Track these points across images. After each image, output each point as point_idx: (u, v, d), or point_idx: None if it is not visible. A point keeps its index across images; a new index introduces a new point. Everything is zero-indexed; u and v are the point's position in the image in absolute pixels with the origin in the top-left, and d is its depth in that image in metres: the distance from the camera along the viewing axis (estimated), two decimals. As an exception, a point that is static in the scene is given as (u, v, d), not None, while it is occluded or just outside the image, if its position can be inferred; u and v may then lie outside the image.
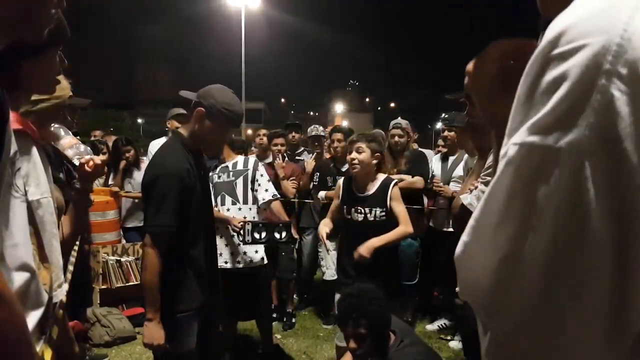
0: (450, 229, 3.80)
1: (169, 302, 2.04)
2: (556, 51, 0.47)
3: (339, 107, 67.37)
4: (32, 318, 0.92)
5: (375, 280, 2.37)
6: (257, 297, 3.26)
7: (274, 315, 4.12)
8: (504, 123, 0.54)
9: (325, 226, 2.90)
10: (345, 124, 6.60)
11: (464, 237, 0.54)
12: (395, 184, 2.86)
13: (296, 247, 3.19)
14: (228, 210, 3.19)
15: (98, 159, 1.58)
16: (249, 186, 3.25)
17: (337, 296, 2.83)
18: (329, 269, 4.11)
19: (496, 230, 0.49)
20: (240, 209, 3.21)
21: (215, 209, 3.20)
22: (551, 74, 0.47)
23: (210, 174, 3.30)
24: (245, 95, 20.95)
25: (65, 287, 1.10)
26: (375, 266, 2.64)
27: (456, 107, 4.22)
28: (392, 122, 4.28)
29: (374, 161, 2.82)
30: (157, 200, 1.98)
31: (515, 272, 0.47)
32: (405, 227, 2.77)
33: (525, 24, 1.13)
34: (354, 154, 2.80)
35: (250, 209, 3.24)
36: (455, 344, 3.71)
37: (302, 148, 5.06)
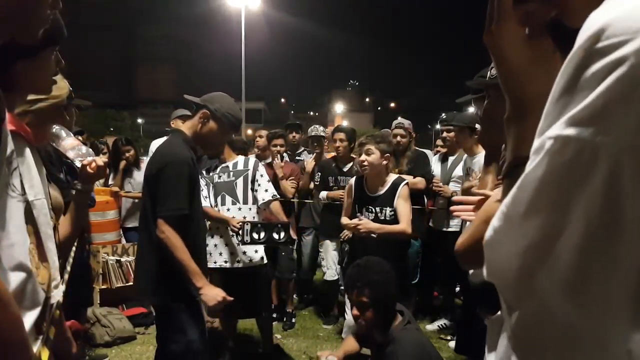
0: (450, 229, 3.80)
1: (180, 288, 2.09)
2: (599, 45, 0.46)
3: (339, 107, 67.40)
4: (29, 318, 0.92)
5: None
6: (257, 296, 3.27)
7: (274, 315, 4.12)
8: (535, 99, 0.56)
9: (347, 219, 2.95)
10: (345, 124, 6.61)
11: (494, 222, 0.55)
12: (406, 184, 2.89)
13: (294, 247, 3.20)
14: (228, 210, 3.21)
15: (100, 161, 1.59)
16: (249, 186, 3.27)
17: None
18: (330, 269, 4.11)
19: (524, 219, 0.50)
20: (240, 208, 3.23)
21: (216, 209, 3.22)
22: (594, 67, 0.46)
23: (211, 173, 3.33)
24: (245, 95, 20.95)
25: (62, 287, 1.09)
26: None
27: (456, 107, 4.22)
28: (394, 122, 4.26)
29: (384, 162, 2.85)
30: (168, 185, 2.06)
31: (543, 260, 0.48)
32: (404, 226, 2.79)
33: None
34: (363, 156, 2.83)
35: (250, 209, 3.25)
36: (455, 343, 3.71)
37: (302, 148, 5.06)
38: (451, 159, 3.99)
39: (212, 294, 2.12)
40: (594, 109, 0.45)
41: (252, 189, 3.28)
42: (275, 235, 2.98)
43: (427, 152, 4.50)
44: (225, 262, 3.14)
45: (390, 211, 2.84)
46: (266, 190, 3.30)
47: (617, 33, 0.46)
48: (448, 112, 4.20)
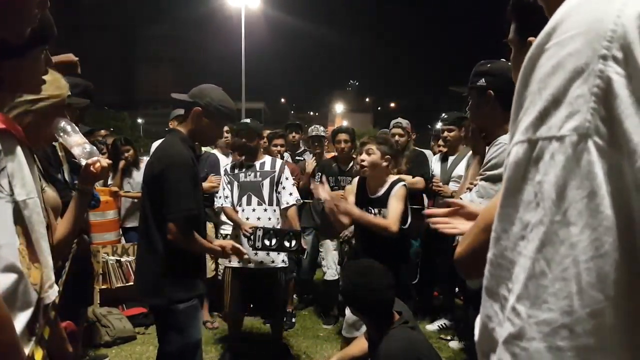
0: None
1: (174, 292, 2.10)
2: (553, 41, 0.48)
3: (339, 107, 67.36)
4: (21, 319, 0.92)
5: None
6: (277, 297, 3.32)
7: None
8: None
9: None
10: (345, 124, 6.60)
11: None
12: (404, 185, 2.87)
13: (304, 257, 3.19)
14: (254, 210, 3.23)
15: (105, 162, 1.57)
16: (275, 188, 3.28)
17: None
18: (330, 269, 4.11)
19: (522, 232, 0.49)
20: (265, 209, 3.25)
21: (240, 208, 3.24)
22: (548, 64, 0.48)
23: (236, 171, 3.33)
24: (245, 95, 20.95)
25: (57, 288, 1.09)
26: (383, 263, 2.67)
27: (456, 107, 4.21)
28: (393, 122, 4.28)
29: (384, 163, 2.83)
30: (173, 187, 2.05)
31: (544, 268, 0.46)
32: (389, 222, 2.68)
33: (507, 28, 1.14)
34: (363, 156, 2.83)
35: (274, 210, 3.28)
36: (455, 344, 3.71)
37: (303, 148, 5.06)
38: (451, 158, 3.99)
39: (225, 246, 2.33)
40: (554, 105, 0.46)
41: (277, 191, 3.29)
42: (287, 243, 3.00)
43: (427, 152, 4.50)
44: (249, 262, 3.17)
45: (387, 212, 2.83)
46: (290, 194, 3.33)
47: (567, 28, 0.47)
48: (448, 112, 4.18)
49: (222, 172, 4.04)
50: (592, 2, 0.47)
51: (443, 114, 4.05)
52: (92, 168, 1.54)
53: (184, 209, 2.04)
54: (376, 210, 2.84)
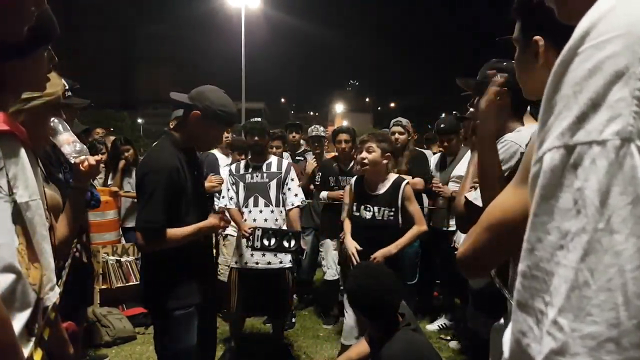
0: (451, 229, 3.79)
1: (168, 299, 2.07)
2: (588, 44, 0.46)
3: (339, 107, 67.37)
4: (20, 319, 0.91)
5: None
6: (284, 297, 3.34)
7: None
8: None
9: (352, 242, 2.89)
10: (345, 124, 6.60)
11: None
12: (407, 183, 2.89)
13: (303, 257, 3.21)
14: (261, 211, 3.23)
15: (92, 160, 1.57)
16: (281, 189, 3.29)
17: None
18: (330, 269, 4.11)
19: (563, 244, 0.46)
20: (272, 211, 3.25)
21: (247, 209, 3.24)
22: (584, 66, 0.46)
23: (242, 172, 3.32)
24: (245, 95, 20.95)
25: (58, 290, 1.08)
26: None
27: (455, 107, 4.19)
28: (393, 121, 4.28)
29: (385, 161, 2.84)
30: (144, 197, 2.02)
31: (592, 285, 0.44)
32: (420, 226, 2.84)
33: (512, 28, 1.13)
34: (364, 154, 2.83)
35: (281, 211, 3.29)
36: (455, 344, 3.71)
37: (304, 148, 5.06)
38: (449, 159, 3.99)
39: (210, 223, 2.17)
40: (592, 109, 0.45)
41: (283, 192, 3.30)
42: (286, 244, 3.01)
43: (427, 152, 4.49)
44: (257, 263, 3.18)
45: (390, 211, 2.82)
46: (296, 195, 3.33)
47: (603, 32, 0.46)
48: (443, 118, 4.15)
49: (222, 172, 4.04)
50: (630, 4, 0.46)
51: (442, 124, 4.01)
52: (81, 167, 1.54)
53: (146, 220, 2.00)
54: (376, 209, 2.84)
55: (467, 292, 3.10)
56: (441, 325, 4.06)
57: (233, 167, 3.46)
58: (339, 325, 4.02)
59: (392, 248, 2.76)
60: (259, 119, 3.46)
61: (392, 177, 2.91)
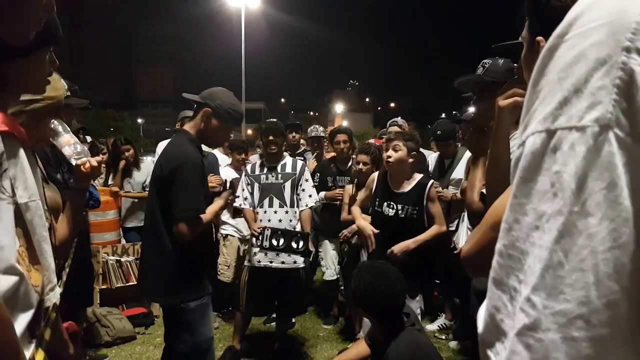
0: (451, 229, 3.79)
1: (183, 291, 2.11)
2: (574, 32, 0.48)
3: (339, 107, 67.31)
4: (22, 321, 0.91)
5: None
6: (297, 297, 3.37)
7: (274, 315, 4.13)
8: None
9: (367, 224, 2.93)
10: (345, 124, 6.61)
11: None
12: (432, 184, 2.91)
13: (310, 259, 3.22)
14: (275, 212, 3.25)
15: (94, 161, 1.57)
16: (296, 190, 3.31)
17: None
18: (329, 269, 4.11)
19: (541, 224, 0.48)
20: (287, 212, 3.26)
21: (262, 210, 3.26)
22: (569, 54, 0.48)
23: (257, 172, 3.34)
24: (245, 95, 20.95)
25: (59, 290, 1.08)
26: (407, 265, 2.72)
27: (455, 107, 4.17)
28: (390, 121, 4.31)
29: (410, 160, 2.86)
30: (184, 187, 2.06)
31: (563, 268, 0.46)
32: (440, 226, 2.87)
33: (522, 26, 1.13)
34: (390, 152, 2.84)
35: (295, 212, 3.30)
36: (456, 344, 3.71)
37: (303, 148, 5.07)
38: (447, 162, 3.98)
39: (222, 201, 2.38)
40: (574, 96, 0.46)
41: (297, 193, 3.31)
42: (294, 244, 3.03)
43: (426, 152, 4.49)
44: (271, 262, 3.20)
45: (413, 210, 2.84)
46: (310, 196, 3.35)
47: (589, 20, 0.47)
48: (439, 122, 4.13)
49: (221, 172, 4.04)
50: None
51: (437, 131, 3.99)
52: (82, 168, 1.54)
53: (193, 208, 2.07)
54: (399, 207, 2.86)
55: (468, 292, 3.11)
56: (441, 325, 4.06)
57: (248, 167, 3.46)
58: (339, 325, 4.03)
59: (411, 243, 2.78)
60: (275, 120, 3.50)
61: (418, 176, 2.93)
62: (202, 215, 2.13)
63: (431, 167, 4.12)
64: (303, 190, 3.33)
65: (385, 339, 2.13)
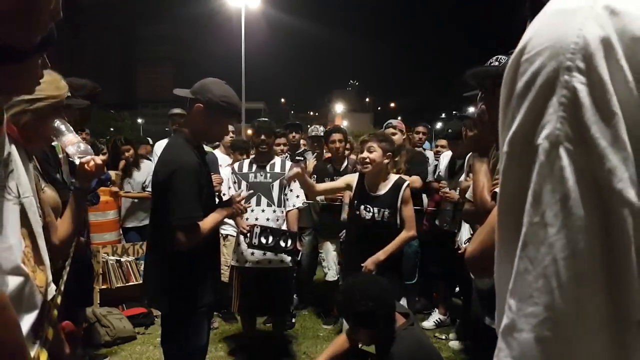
0: (454, 230, 3.78)
1: (183, 300, 2.08)
2: (524, 57, 0.53)
3: (339, 107, 67.29)
4: (26, 321, 0.92)
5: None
6: (287, 295, 3.36)
7: (274, 315, 4.14)
8: None
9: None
10: (345, 124, 6.62)
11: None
12: (408, 186, 2.89)
13: (298, 258, 3.21)
14: (263, 211, 3.25)
15: (99, 159, 1.58)
16: (284, 190, 3.31)
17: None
18: (331, 270, 4.11)
19: (512, 238, 0.53)
20: (274, 211, 3.26)
21: (249, 208, 3.23)
22: (522, 79, 0.53)
23: (245, 170, 3.34)
24: (245, 95, 20.93)
25: (54, 287, 1.09)
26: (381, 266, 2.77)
27: (455, 107, 4.18)
28: (385, 123, 4.35)
29: (386, 160, 2.85)
30: (179, 193, 1.98)
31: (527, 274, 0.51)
32: (408, 232, 2.85)
33: (523, 26, 1.13)
34: (365, 153, 2.83)
35: (282, 211, 3.30)
36: (456, 344, 3.71)
37: (304, 148, 5.08)
38: (459, 162, 3.97)
39: (227, 210, 2.25)
40: (530, 117, 0.51)
41: (285, 193, 3.31)
42: (282, 243, 3.03)
43: (429, 153, 4.50)
44: (258, 262, 3.18)
45: (389, 212, 2.82)
46: (297, 196, 3.35)
47: (536, 44, 0.52)
48: (448, 112, 4.16)
49: (222, 172, 4.05)
50: (557, 18, 0.52)
51: (448, 129, 3.98)
52: (86, 166, 1.54)
53: (189, 216, 1.98)
54: (376, 210, 2.84)
55: (469, 291, 3.10)
56: (437, 320, 4.06)
57: (236, 165, 3.47)
58: (339, 325, 4.02)
59: (381, 255, 2.77)
60: (267, 119, 3.49)
61: (393, 177, 2.91)
62: (200, 224, 2.04)
63: (442, 167, 4.10)
64: (291, 190, 3.33)
65: (385, 342, 2.13)
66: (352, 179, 3.04)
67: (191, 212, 1.99)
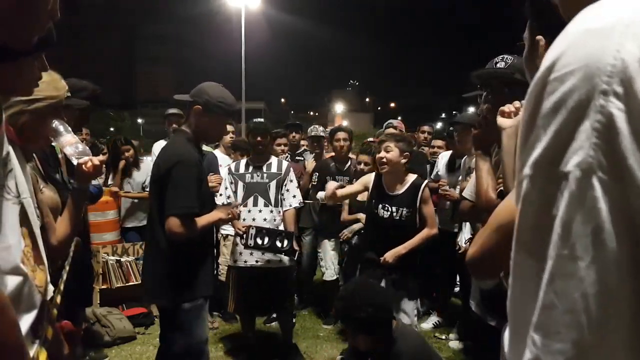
0: (455, 230, 3.78)
1: (179, 292, 2.11)
2: (553, 76, 0.49)
3: (339, 107, 67.24)
4: (26, 321, 0.92)
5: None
6: (285, 295, 3.36)
7: (274, 315, 4.12)
8: None
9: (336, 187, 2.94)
10: (345, 124, 6.62)
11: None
12: (426, 185, 2.91)
13: (295, 258, 3.23)
14: (260, 211, 3.26)
15: (96, 160, 1.58)
16: (280, 190, 3.31)
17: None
18: (329, 269, 4.11)
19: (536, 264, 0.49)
20: (271, 211, 3.28)
21: (246, 209, 3.24)
22: (550, 99, 0.48)
23: (241, 171, 3.35)
24: (245, 95, 20.92)
25: (52, 288, 1.09)
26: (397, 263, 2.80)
27: (456, 107, 4.19)
28: (386, 123, 4.36)
29: (403, 160, 2.85)
30: (179, 184, 2.05)
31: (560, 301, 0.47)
32: (430, 229, 2.88)
33: (523, 26, 1.13)
34: (382, 153, 2.84)
35: (279, 212, 3.31)
36: (456, 344, 3.71)
37: (303, 148, 5.08)
38: (458, 161, 3.97)
39: (222, 213, 2.34)
40: (557, 141, 0.47)
41: (281, 193, 3.32)
42: (279, 243, 3.04)
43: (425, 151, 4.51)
44: (257, 261, 3.19)
45: (407, 212, 2.84)
46: (294, 196, 3.37)
47: (567, 63, 0.48)
48: (448, 112, 4.17)
49: (222, 172, 4.05)
50: (591, 36, 0.48)
51: (452, 127, 3.95)
52: (84, 167, 1.54)
53: (186, 206, 2.05)
54: (394, 209, 2.86)
55: (469, 292, 3.09)
56: (435, 322, 4.07)
57: (232, 165, 3.48)
58: (339, 325, 4.03)
59: (402, 249, 2.79)
60: (262, 120, 3.50)
61: (411, 177, 2.93)
62: (197, 219, 2.10)
63: (442, 165, 4.10)
64: (287, 190, 3.34)
65: (385, 346, 2.13)
66: (369, 179, 3.05)
67: (188, 203, 2.05)
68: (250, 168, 3.34)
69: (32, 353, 0.93)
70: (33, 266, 0.94)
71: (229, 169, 3.47)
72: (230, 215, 2.39)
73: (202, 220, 2.15)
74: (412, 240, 2.83)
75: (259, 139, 3.32)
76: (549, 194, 0.47)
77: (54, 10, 0.90)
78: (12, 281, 0.86)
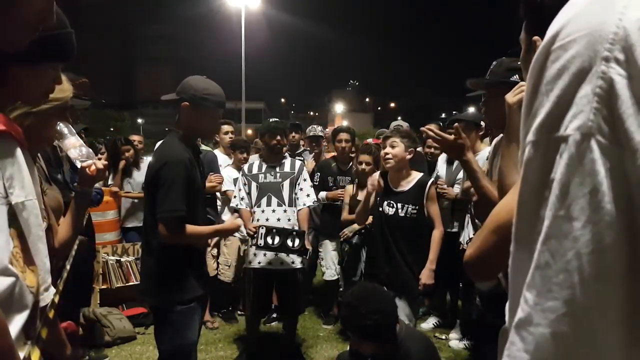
0: (454, 230, 3.77)
1: (172, 293, 2.10)
2: (556, 44, 0.50)
3: (339, 107, 67.19)
4: (17, 322, 0.91)
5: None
6: (297, 297, 3.37)
7: (274, 315, 4.13)
8: None
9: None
10: (345, 124, 6.61)
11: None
12: (432, 183, 2.91)
13: (306, 257, 3.21)
14: (274, 211, 3.24)
15: (100, 164, 1.58)
16: (294, 189, 3.30)
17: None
18: (329, 269, 4.11)
19: (531, 230, 0.51)
20: (285, 210, 3.26)
21: (259, 209, 3.24)
22: (554, 67, 0.50)
23: (254, 171, 3.33)
24: (245, 95, 20.93)
25: (53, 290, 1.08)
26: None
27: (456, 107, 4.19)
28: (393, 124, 4.32)
29: (408, 156, 2.85)
30: (165, 187, 2.03)
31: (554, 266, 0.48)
32: (438, 229, 2.90)
33: (520, 27, 1.13)
34: (388, 149, 2.84)
35: (294, 211, 3.29)
36: (456, 343, 3.71)
37: (303, 148, 5.08)
38: (457, 162, 3.96)
39: (230, 224, 2.35)
40: (559, 107, 0.49)
41: (295, 192, 3.31)
42: (290, 243, 3.01)
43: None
44: (269, 263, 3.18)
45: (413, 208, 2.83)
46: (308, 195, 3.35)
47: (571, 31, 0.49)
48: (448, 112, 4.17)
49: (222, 172, 4.05)
50: (595, 6, 0.49)
51: (457, 114, 3.95)
52: (87, 171, 1.54)
53: (170, 209, 2.02)
54: (399, 205, 2.84)
55: (469, 292, 3.10)
56: (435, 323, 4.07)
57: (246, 167, 3.45)
58: (339, 325, 4.02)
59: (431, 265, 2.81)
60: (281, 120, 3.53)
61: (416, 175, 2.92)
62: (191, 227, 2.07)
63: (441, 163, 4.09)
64: (301, 189, 3.32)
65: (392, 350, 2.12)
66: (374, 179, 3.04)
67: (173, 206, 2.02)
68: (264, 168, 3.33)
69: (23, 354, 0.93)
70: (22, 267, 0.93)
71: (242, 171, 3.45)
72: (234, 227, 2.37)
73: (199, 230, 2.14)
74: (433, 249, 2.84)
75: (278, 138, 3.31)
76: (550, 158, 0.49)
77: (44, 11, 0.89)
78: (2, 283, 0.86)
